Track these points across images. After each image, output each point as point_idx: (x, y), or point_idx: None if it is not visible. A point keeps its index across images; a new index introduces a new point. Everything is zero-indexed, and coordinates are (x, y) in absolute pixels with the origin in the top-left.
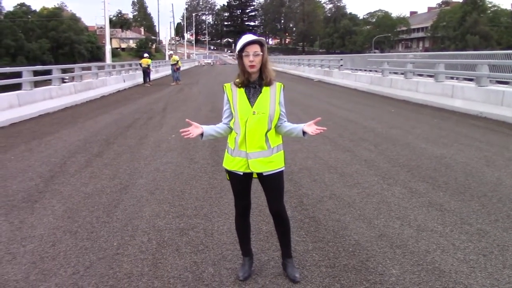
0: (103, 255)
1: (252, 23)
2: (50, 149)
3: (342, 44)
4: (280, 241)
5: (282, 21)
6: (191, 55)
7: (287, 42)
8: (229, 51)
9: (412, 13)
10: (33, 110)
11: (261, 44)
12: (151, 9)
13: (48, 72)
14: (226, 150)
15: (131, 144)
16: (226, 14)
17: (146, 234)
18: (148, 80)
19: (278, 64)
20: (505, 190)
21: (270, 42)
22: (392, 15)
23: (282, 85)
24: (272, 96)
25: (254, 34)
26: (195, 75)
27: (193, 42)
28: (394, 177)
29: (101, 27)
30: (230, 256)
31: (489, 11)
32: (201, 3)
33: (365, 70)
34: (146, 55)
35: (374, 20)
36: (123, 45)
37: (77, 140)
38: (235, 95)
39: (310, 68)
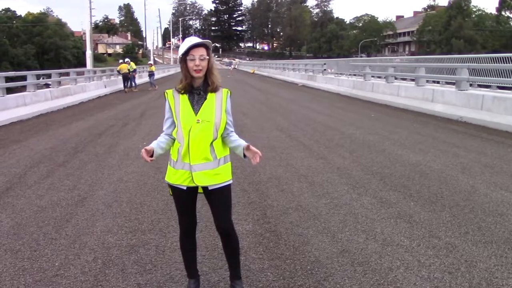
0: (41, 277)
1: (239, 28)
2: (13, 159)
3: (329, 48)
4: (228, 262)
5: (269, 26)
6: (177, 61)
7: (274, 46)
8: (216, 56)
9: (398, 17)
10: (5, 117)
11: (207, 47)
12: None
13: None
14: (168, 162)
15: (99, 153)
16: (214, 19)
17: (93, 252)
18: (131, 85)
19: (264, 69)
20: (479, 199)
21: (258, 47)
22: (378, 20)
23: (229, 92)
24: (218, 103)
25: (198, 36)
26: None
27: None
28: (365, 186)
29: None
30: (179, 276)
31: (473, 15)
32: (188, 8)
33: (349, 75)
34: (126, 60)
35: (361, 24)
36: (110, 51)
37: (44, 149)
38: (178, 102)
39: (295, 72)
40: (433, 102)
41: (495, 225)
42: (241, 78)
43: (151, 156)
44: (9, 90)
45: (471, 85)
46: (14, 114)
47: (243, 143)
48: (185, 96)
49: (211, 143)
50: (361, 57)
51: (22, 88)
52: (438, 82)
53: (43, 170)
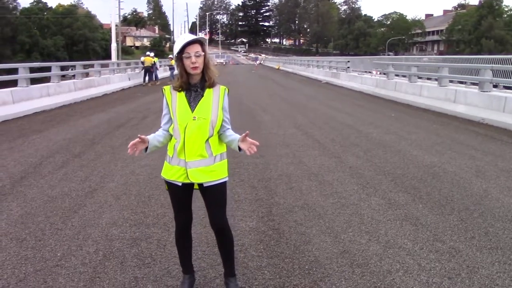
0: (42, 266)
1: (266, 24)
2: (32, 148)
3: (356, 46)
4: (222, 259)
5: (297, 21)
6: None
7: (301, 43)
8: (242, 51)
9: (428, 15)
10: (28, 107)
11: (201, 43)
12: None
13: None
14: (165, 158)
15: (115, 145)
16: (241, 14)
17: (96, 244)
18: (153, 79)
19: (289, 65)
20: (490, 203)
21: (285, 43)
22: (407, 18)
23: (227, 89)
24: (214, 100)
25: (192, 33)
26: None
27: (207, 41)
28: (375, 186)
29: (116, 25)
30: (176, 271)
31: (505, 15)
32: (215, 3)
33: (372, 72)
34: (148, 53)
35: (389, 22)
36: (137, 43)
37: (62, 139)
38: (175, 99)
39: (319, 69)
40: (455, 103)
41: (503, 231)
42: (265, 74)
43: (146, 149)
44: (35, 81)
45: (495, 86)
46: (37, 104)
47: (237, 136)
48: (182, 93)
49: (207, 140)
50: (388, 55)
51: (48, 79)
52: (463, 83)
53: (59, 160)
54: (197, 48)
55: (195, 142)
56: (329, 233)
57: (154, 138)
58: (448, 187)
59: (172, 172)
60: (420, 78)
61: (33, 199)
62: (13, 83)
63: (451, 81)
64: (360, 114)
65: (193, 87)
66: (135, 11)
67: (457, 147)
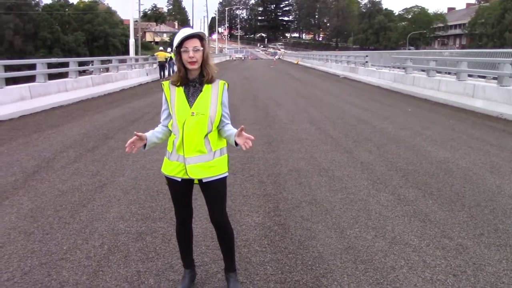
0: (48, 260)
1: (286, 18)
2: (46, 143)
3: (377, 40)
4: (223, 254)
5: (316, 16)
6: (223, 50)
7: (320, 37)
8: (261, 46)
9: (450, 9)
10: (46, 102)
11: (201, 38)
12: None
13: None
14: (165, 153)
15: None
16: (260, 8)
17: (101, 238)
18: (168, 75)
19: (308, 60)
20: (502, 200)
21: (304, 37)
22: (428, 11)
23: (226, 84)
24: (213, 96)
25: (191, 27)
26: (222, 69)
27: (226, 36)
28: (385, 182)
29: (136, 21)
30: (178, 265)
31: None
32: None
33: (392, 67)
34: (161, 48)
35: (410, 16)
36: (157, 39)
37: (77, 134)
38: (173, 94)
39: (337, 64)
40: (473, 98)
41: None
42: (283, 69)
43: (144, 146)
44: (54, 76)
45: None
46: (55, 99)
47: (235, 131)
48: (181, 89)
49: (206, 135)
50: (409, 49)
51: (66, 75)
52: (484, 77)
53: (72, 155)
54: (196, 42)
55: (194, 137)
56: (335, 229)
57: (153, 134)
58: (460, 183)
59: (171, 168)
60: (439, 72)
61: (44, 193)
62: (32, 79)
63: (471, 76)
64: (376, 109)
65: (192, 82)
66: (155, 6)
67: (472, 143)
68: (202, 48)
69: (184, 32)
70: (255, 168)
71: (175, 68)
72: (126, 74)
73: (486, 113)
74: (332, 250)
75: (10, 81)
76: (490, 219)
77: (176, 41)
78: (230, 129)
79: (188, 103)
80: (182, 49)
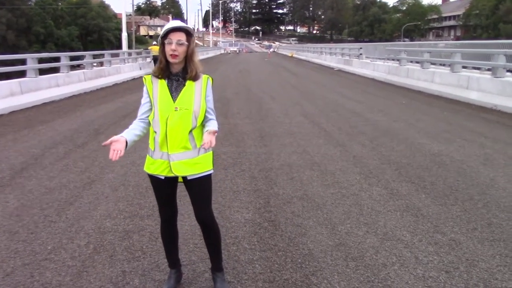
0: (31, 260)
1: (280, 11)
2: (36, 139)
3: (371, 32)
4: (209, 253)
5: (311, 8)
6: (217, 43)
7: (315, 30)
8: (256, 39)
9: (444, 0)
10: (37, 98)
11: (187, 32)
12: None
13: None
14: (147, 152)
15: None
16: (254, 1)
17: (87, 237)
18: None
19: (302, 52)
20: (496, 193)
21: (299, 30)
22: (423, 3)
23: (210, 79)
24: (197, 90)
25: (183, 20)
26: (216, 63)
27: (220, 30)
28: (378, 176)
29: (129, 14)
30: (165, 265)
31: None
32: None
33: (387, 59)
34: (155, 42)
35: (405, 8)
36: (151, 33)
37: (67, 130)
38: (156, 88)
39: (332, 57)
40: (468, 89)
41: (507, 222)
42: (278, 62)
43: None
44: (46, 71)
45: (511, 71)
46: (46, 95)
47: (211, 127)
48: (164, 82)
49: (190, 131)
50: (404, 41)
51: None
52: (478, 69)
53: (61, 151)
54: (181, 36)
55: (178, 133)
56: (326, 225)
57: (130, 133)
58: (454, 176)
59: (155, 166)
60: (433, 64)
61: (31, 191)
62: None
63: (465, 67)
64: (370, 101)
65: (175, 76)
66: (149, 0)
67: (466, 135)
68: (187, 43)
69: (172, 24)
70: (246, 163)
71: None
72: (119, 68)
73: (481, 104)
74: (323, 247)
75: (3, 77)
76: (484, 213)
77: (162, 32)
78: (209, 125)
79: (172, 97)
80: (166, 41)
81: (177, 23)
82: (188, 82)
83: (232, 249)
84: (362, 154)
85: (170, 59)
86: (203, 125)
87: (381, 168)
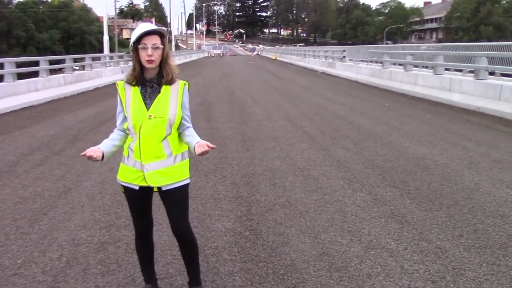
0: None
1: (264, 14)
2: (12, 146)
3: (355, 35)
4: (186, 267)
5: (294, 11)
6: (201, 46)
7: (299, 33)
8: (240, 42)
9: (426, 3)
10: (15, 103)
11: (161, 35)
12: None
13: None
14: (121, 159)
15: (99, 140)
16: (238, 4)
17: (60, 249)
18: None
19: (286, 55)
20: (481, 197)
21: (282, 33)
22: (405, 6)
23: (187, 84)
24: (173, 97)
25: (151, 22)
26: (199, 66)
27: (204, 32)
28: (362, 181)
29: (112, 18)
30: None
31: (504, 1)
32: None
33: (370, 62)
34: None
35: (387, 10)
36: None
37: (45, 136)
38: (129, 95)
39: (315, 59)
40: (450, 92)
41: (493, 228)
42: (262, 65)
43: (102, 159)
44: (25, 76)
45: (492, 74)
46: (25, 99)
47: (194, 141)
48: (137, 89)
49: (165, 138)
50: (387, 44)
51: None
52: (461, 71)
53: (37, 158)
54: (155, 39)
55: (152, 142)
56: (309, 233)
57: (108, 144)
58: (438, 181)
59: (127, 175)
60: (416, 66)
61: (3, 201)
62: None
63: (447, 69)
64: (353, 104)
65: (149, 82)
66: (131, 3)
67: (450, 138)
68: (162, 46)
69: (144, 27)
70: (228, 169)
71: None
72: (100, 72)
73: (463, 106)
74: (306, 257)
75: None
76: (469, 219)
77: (134, 37)
78: (191, 135)
79: (145, 105)
80: (140, 46)
81: (149, 26)
82: (163, 88)
83: (212, 261)
84: (345, 158)
85: (147, 65)
86: (180, 131)
87: (365, 172)
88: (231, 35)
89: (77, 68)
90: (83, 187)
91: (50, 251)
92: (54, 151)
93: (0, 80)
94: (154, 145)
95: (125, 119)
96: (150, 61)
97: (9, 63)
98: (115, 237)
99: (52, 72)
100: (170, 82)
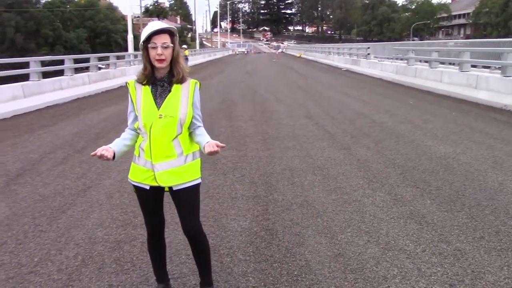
0: (16, 273)
1: (288, 11)
2: (35, 144)
3: (380, 31)
4: (197, 267)
5: (319, 8)
6: (226, 44)
7: (324, 30)
8: (265, 40)
9: None
10: (40, 101)
11: (171, 34)
12: None
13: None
14: (132, 158)
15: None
16: (263, 2)
17: (77, 248)
18: None
19: (310, 53)
20: (504, 198)
21: (307, 30)
22: (432, 1)
23: (198, 83)
24: (184, 96)
25: (176, 21)
26: (223, 64)
27: (228, 30)
28: (382, 181)
29: (137, 16)
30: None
31: None
32: None
33: (395, 59)
34: None
35: (414, 6)
36: None
37: (68, 134)
38: (139, 94)
39: (339, 57)
40: (477, 89)
41: None
42: (286, 62)
43: (113, 158)
44: (50, 74)
45: None
46: (50, 98)
47: (204, 140)
48: (148, 88)
49: (175, 137)
50: (413, 40)
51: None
52: (489, 68)
53: (59, 156)
54: (165, 38)
55: (162, 142)
56: (326, 234)
57: (120, 143)
58: (461, 181)
59: (138, 174)
60: (442, 63)
61: (24, 199)
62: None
63: (475, 66)
64: (376, 102)
65: (159, 81)
66: (157, 1)
67: (475, 136)
68: (172, 45)
69: (153, 26)
70: (247, 168)
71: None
72: (124, 70)
73: (490, 104)
74: (321, 258)
75: (11, 79)
76: (491, 220)
77: (143, 35)
78: (201, 134)
79: (156, 104)
80: (150, 45)
81: (159, 24)
82: (174, 87)
83: (226, 261)
84: (366, 157)
85: (157, 64)
86: (190, 131)
87: (385, 172)
88: (268, 34)
89: (103, 66)
90: (102, 186)
91: (67, 249)
92: (76, 149)
93: (25, 79)
94: (165, 144)
95: (136, 118)
96: (160, 60)
97: (34, 62)
98: (131, 236)
99: (77, 71)
100: (181, 81)
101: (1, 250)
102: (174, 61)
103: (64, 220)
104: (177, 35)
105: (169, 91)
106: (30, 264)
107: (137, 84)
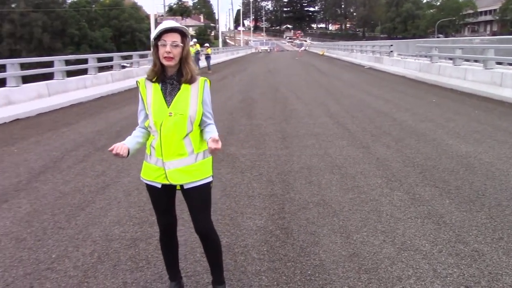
0: (33, 269)
1: (312, 9)
2: (58, 142)
3: (405, 29)
4: (209, 265)
5: (343, 6)
6: (249, 42)
7: (347, 27)
8: (287, 37)
9: None
10: (64, 100)
11: (182, 33)
12: None
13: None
14: (144, 157)
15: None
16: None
17: (93, 245)
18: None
19: (333, 50)
20: None
21: (330, 28)
22: None
23: (207, 81)
24: (193, 94)
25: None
26: (246, 62)
27: (251, 28)
28: (401, 180)
29: (161, 15)
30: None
31: None
32: None
33: (419, 56)
34: (193, 40)
35: (439, 3)
36: None
37: (90, 132)
38: (150, 92)
39: (362, 54)
40: (501, 87)
41: None
42: (308, 60)
43: (127, 155)
44: (74, 73)
45: None
46: (73, 96)
47: (212, 134)
48: (157, 86)
49: (186, 135)
50: (438, 37)
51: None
52: None
53: (81, 154)
54: (175, 37)
55: (173, 140)
56: (341, 233)
57: (132, 141)
58: (482, 180)
59: (150, 173)
60: (468, 61)
61: (45, 196)
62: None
63: (500, 64)
64: (398, 100)
65: (169, 79)
66: (180, 0)
67: (498, 135)
68: (182, 45)
69: (165, 24)
70: (265, 166)
71: (200, 63)
72: (147, 69)
73: None
74: (335, 258)
75: (39, 78)
76: (511, 221)
77: (154, 33)
78: (210, 131)
79: (166, 102)
80: (159, 42)
81: (171, 23)
82: (183, 85)
83: (240, 259)
84: (385, 156)
85: (165, 62)
86: (201, 129)
87: (404, 171)
88: (300, 33)
89: (128, 65)
90: (121, 183)
91: (84, 246)
92: (97, 147)
93: (50, 78)
94: (176, 142)
95: (146, 116)
96: (168, 58)
97: (59, 61)
98: (147, 234)
99: (101, 69)
100: (190, 81)
101: (20, 246)
102: (183, 61)
103: (82, 217)
104: (189, 36)
105: (179, 89)
106: (48, 260)
107: (147, 82)
